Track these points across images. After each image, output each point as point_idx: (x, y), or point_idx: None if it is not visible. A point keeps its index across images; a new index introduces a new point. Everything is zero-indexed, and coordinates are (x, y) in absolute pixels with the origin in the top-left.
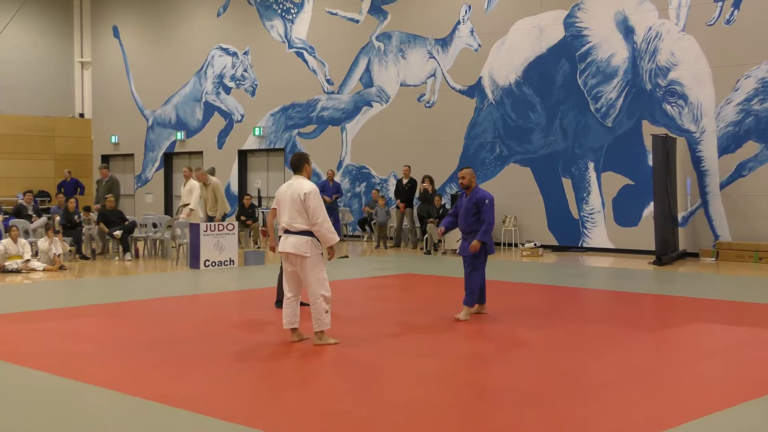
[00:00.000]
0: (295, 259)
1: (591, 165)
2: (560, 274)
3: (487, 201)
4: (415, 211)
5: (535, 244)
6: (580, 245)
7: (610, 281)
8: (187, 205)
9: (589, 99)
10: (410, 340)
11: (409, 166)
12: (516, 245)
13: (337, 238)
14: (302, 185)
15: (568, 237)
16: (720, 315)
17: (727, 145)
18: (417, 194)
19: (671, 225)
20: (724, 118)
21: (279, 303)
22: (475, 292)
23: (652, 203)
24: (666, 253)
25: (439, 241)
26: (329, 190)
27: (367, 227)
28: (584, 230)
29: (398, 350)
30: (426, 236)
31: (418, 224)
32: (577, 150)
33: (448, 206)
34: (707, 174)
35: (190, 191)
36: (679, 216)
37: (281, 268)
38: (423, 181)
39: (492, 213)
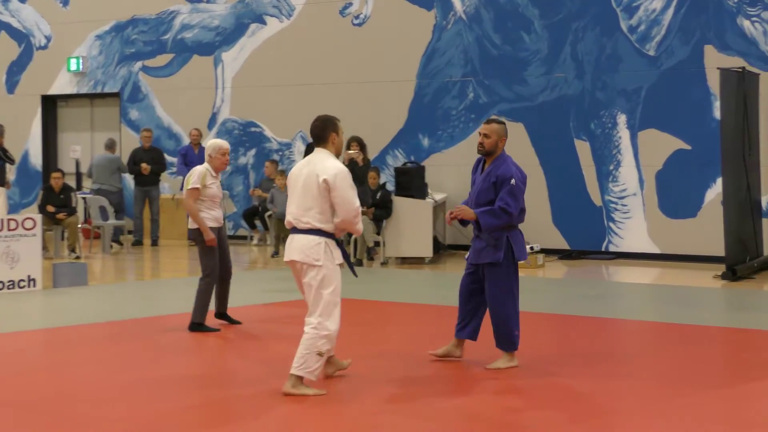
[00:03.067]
0: (302, 269)
1: (622, 119)
2: (571, 296)
3: (513, 181)
4: None
5: (532, 248)
6: (604, 249)
7: (653, 307)
8: None
9: (619, 11)
10: (315, 418)
11: None
12: None
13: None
14: (325, 164)
15: (585, 236)
16: None
17: None
18: None
19: (751, 216)
20: None
21: (220, 315)
22: (514, 325)
23: (719, 180)
24: (743, 260)
25: (376, 244)
26: (195, 160)
27: (258, 222)
28: (611, 225)
29: None
30: (354, 237)
31: None
32: (600, 95)
33: (390, 187)
34: None
35: None
36: (764, 201)
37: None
38: (348, 147)
39: (518, 199)
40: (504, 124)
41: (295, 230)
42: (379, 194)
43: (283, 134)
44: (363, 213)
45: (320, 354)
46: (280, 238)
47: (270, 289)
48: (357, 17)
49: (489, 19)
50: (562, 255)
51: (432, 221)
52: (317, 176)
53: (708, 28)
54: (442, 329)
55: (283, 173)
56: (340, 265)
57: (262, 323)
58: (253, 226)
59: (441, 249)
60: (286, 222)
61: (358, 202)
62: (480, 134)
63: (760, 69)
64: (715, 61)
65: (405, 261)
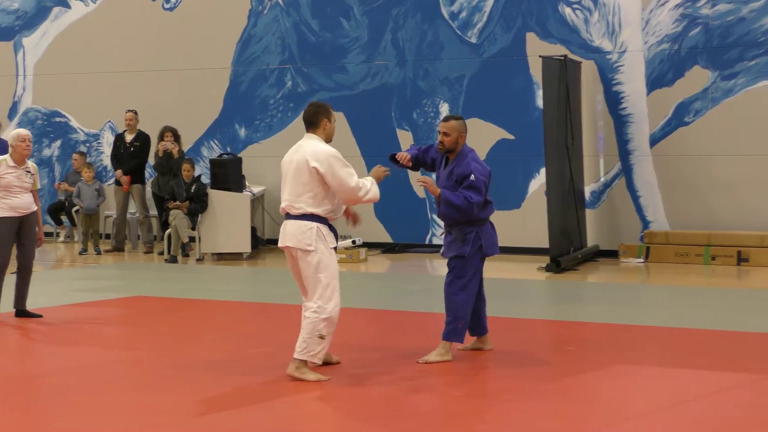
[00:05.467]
0: (296, 254)
1: (445, 108)
2: (395, 291)
3: (473, 177)
4: (148, 190)
5: (353, 242)
6: (428, 242)
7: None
8: None
9: None
10: None
11: (135, 112)
12: None
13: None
14: (314, 149)
15: (408, 229)
16: (652, 351)
17: (660, 74)
18: (152, 160)
19: (574, 206)
20: (655, 29)
21: (20, 312)
22: (459, 316)
23: (543, 170)
24: (567, 252)
25: (191, 239)
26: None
27: (64, 218)
28: (435, 217)
29: None
30: (168, 231)
31: (154, 212)
32: (422, 83)
33: (205, 180)
34: (630, 121)
35: None
36: (587, 191)
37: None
38: (162, 138)
39: (481, 193)
40: (462, 119)
41: (288, 216)
42: (194, 187)
43: (90, 124)
44: (173, 207)
45: (322, 337)
46: (89, 235)
47: (78, 288)
48: (168, 1)
49: (307, 5)
50: (385, 249)
51: (250, 215)
52: (307, 161)
53: (530, 16)
54: (261, 327)
55: (91, 166)
56: (334, 249)
57: (72, 327)
58: (59, 222)
59: (260, 244)
60: (280, 208)
61: (354, 179)
62: (439, 133)
63: (581, 57)
64: (537, 48)
65: (222, 257)
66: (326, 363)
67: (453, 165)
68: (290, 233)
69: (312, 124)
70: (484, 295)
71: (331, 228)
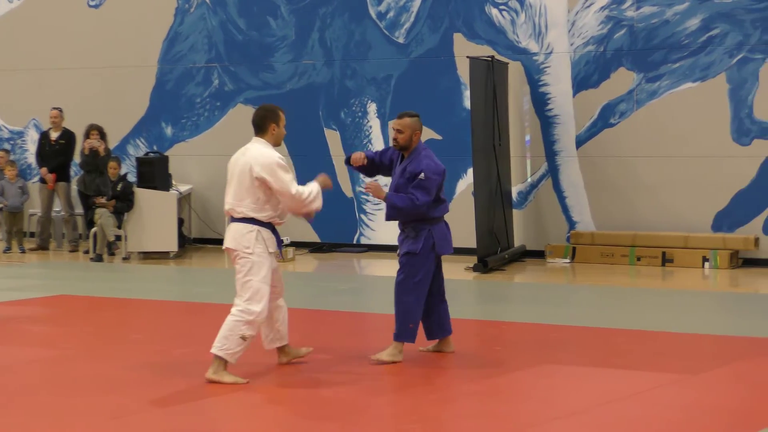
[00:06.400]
0: (235, 256)
1: (372, 108)
2: (323, 291)
3: (423, 175)
4: (73, 188)
5: (282, 241)
6: (356, 241)
7: None
8: None
9: None
10: None
11: (60, 110)
12: None
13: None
14: (260, 153)
15: (336, 229)
16: (578, 351)
17: (586, 75)
18: (78, 158)
19: (501, 206)
20: (581, 30)
21: None
22: (409, 317)
23: (470, 171)
24: (494, 252)
25: (117, 238)
26: None
27: None
28: (363, 217)
29: None
30: (94, 230)
31: (79, 210)
32: (350, 83)
33: (131, 178)
34: (556, 122)
35: None
36: (514, 191)
37: None
38: (88, 136)
39: (429, 192)
40: (417, 116)
41: (232, 219)
42: (120, 186)
43: (14, 122)
44: (99, 202)
45: (243, 338)
46: (13, 233)
47: (1, 287)
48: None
49: (234, 3)
50: (313, 248)
51: (177, 213)
52: (251, 167)
53: (457, 16)
54: (188, 326)
55: (14, 164)
56: (274, 253)
57: None
58: None
59: (186, 243)
60: (225, 210)
61: (294, 187)
62: (393, 129)
63: (508, 58)
64: (464, 49)
65: (148, 256)
66: (296, 357)
67: (407, 162)
68: (231, 236)
69: (260, 128)
70: (445, 295)
71: (274, 232)
